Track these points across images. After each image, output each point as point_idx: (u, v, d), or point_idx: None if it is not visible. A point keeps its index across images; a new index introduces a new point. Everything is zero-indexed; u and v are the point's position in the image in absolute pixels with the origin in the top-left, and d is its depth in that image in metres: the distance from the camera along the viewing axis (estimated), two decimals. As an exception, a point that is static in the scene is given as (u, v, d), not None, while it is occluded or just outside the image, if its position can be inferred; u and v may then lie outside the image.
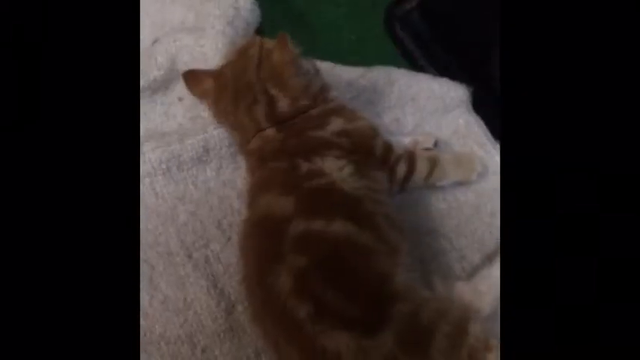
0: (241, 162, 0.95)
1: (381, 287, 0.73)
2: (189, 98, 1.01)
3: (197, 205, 0.94)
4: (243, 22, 1.01)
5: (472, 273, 0.91)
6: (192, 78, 0.91)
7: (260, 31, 1.07)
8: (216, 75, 0.89)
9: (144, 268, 0.88)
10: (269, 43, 0.87)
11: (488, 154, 1.04)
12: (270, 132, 0.85)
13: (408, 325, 0.71)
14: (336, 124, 0.85)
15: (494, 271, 0.86)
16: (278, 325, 0.74)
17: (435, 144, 1.00)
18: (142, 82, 0.98)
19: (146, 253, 0.89)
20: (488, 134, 1.07)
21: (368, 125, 0.88)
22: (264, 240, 0.78)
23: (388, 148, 0.88)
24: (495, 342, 0.72)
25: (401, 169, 0.89)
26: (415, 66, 1.17)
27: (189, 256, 0.90)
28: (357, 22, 1.21)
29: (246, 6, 1.02)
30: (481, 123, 1.08)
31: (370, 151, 0.86)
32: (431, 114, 1.06)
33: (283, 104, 0.84)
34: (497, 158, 1.03)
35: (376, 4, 1.23)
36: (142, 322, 0.85)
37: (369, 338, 0.69)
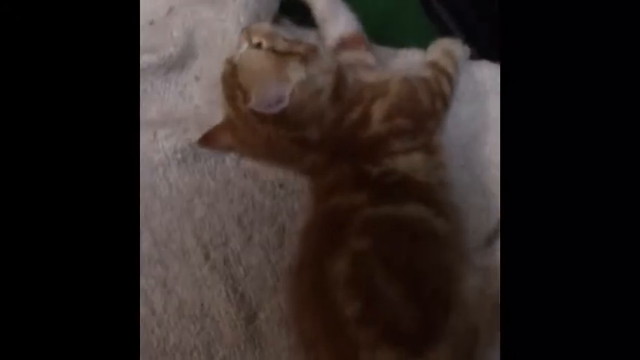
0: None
1: (447, 289, 0.67)
2: (207, 78, 0.92)
3: (215, 198, 0.85)
4: (266, -6, 0.91)
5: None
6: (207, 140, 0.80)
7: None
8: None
9: (157, 270, 0.80)
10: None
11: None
12: None
13: (463, 339, 0.66)
14: (378, 109, 0.76)
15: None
16: (319, 322, 0.67)
17: None
18: (156, 59, 0.89)
19: (160, 251, 0.81)
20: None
21: (401, 86, 0.79)
22: (327, 227, 0.71)
23: (425, 87, 0.80)
24: None
25: (446, 87, 0.82)
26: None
27: (207, 256, 0.82)
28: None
29: (270, -25, 0.91)
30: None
31: (422, 109, 0.78)
32: (470, 103, 0.97)
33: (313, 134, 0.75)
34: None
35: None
36: (155, 330, 0.78)
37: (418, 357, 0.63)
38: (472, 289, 0.70)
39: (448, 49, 0.88)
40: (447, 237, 0.70)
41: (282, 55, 0.73)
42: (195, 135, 0.85)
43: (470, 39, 1.03)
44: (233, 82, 0.73)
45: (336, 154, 0.75)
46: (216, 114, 0.87)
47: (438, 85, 0.81)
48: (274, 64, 0.73)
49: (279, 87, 0.70)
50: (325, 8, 0.90)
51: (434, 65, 0.84)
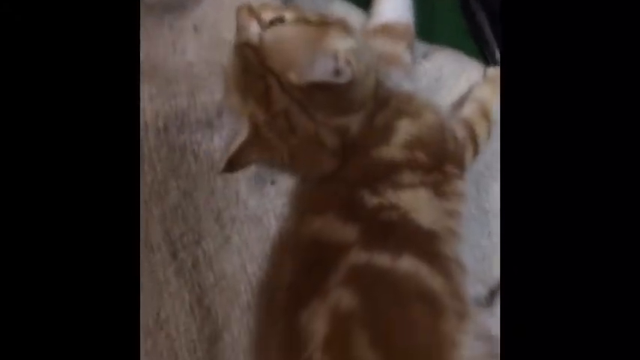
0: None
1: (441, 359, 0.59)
2: (208, 31, 0.75)
3: (194, 183, 0.70)
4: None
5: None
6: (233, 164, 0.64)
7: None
8: None
9: (110, 262, 0.64)
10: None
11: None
12: None
13: None
14: (402, 129, 0.65)
15: None
16: None
17: None
18: (152, -5, 0.70)
19: (117, 240, 0.65)
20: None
21: (435, 119, 0.68)
22: (308, 262, 0.61)
23: (454, 138, 0.70)
24: None
25: (469, 155, 0.72)
26: (484, 47, 0.96)
27: (174, 255, 0.67)
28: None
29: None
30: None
31: (445, 152, 0.68)
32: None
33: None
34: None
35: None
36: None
37: None
38: None
39: (486, 108, 0.77)
40: (443, 299, 0.61)
41: (319, 25, 0.61)
42: (184, 101, 0.70)
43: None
44: (261, 69, 0.59)
45: (341, 166, 0.64)
46: (213, 79, 0.72)
47: (462, 151, 0.71)
48: (313, 35, 0.60)
49: (330, 56, 0.57)
50: None
51: (468, 127, 0.74)
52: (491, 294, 0.76)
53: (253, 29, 0.60)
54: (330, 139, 0.61)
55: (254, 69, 0.59)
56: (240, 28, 0.61)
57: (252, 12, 0.60)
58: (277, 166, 0.63)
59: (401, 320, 0.58)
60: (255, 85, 0.59)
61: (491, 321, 0.67)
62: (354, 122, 0.62)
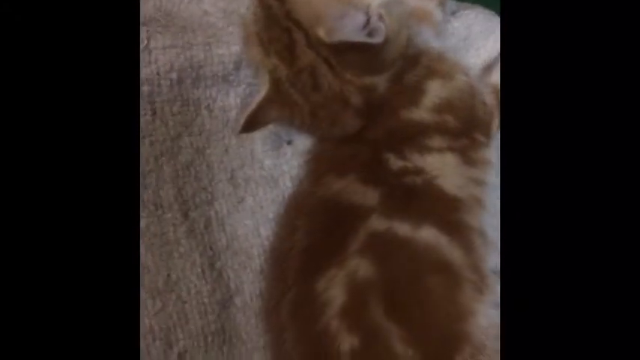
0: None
1: (456, 330, 0.57)
2: (227, -21, 0.70)
3: (207, 141, 0.67)
4: None
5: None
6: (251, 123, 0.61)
7: None
8: None
9: (119, 220, 0.61)
10: None
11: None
12: None
13: None
14: (433, 91, 0.62)
15: None
16: (306, 347, 0.57)
17: None
18: None
19: (126, 197, 0.62)
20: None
21: (466, 82, 0.65)
22: (325, 227, 0.59)
23: (483, 104, 0.67)
24: None
25: (496, 123, 0.69)
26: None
27: (185, 215, 0.64)
28: None
29: None
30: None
31: (474, 118, 0.65)
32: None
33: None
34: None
35: None
36: (104, 300, 0.60)
37: None
38: (486, 330, 0.59)
39: None
40: (462, 272, 0.59)
41: None
42: (200, 53, 0.66)
43: None
44: (286, 22, 0.55)
45: (366, 127, 0.61)
46: (230, 30, 0.68)
47: (490, 118, 0.67)
48: None
49: (361, 10, 0.54)
50: None
51: (496, 94, 0.70)
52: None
53: None
54: (355, 98, 0.58)
55: (278, 21, 0.56)
56: None
57: None
58: (297, 125, 0.60)
59: (417, 292, 0.57)
60: (279, 39, 0.56)
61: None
62: (382, 81, 0.59)
